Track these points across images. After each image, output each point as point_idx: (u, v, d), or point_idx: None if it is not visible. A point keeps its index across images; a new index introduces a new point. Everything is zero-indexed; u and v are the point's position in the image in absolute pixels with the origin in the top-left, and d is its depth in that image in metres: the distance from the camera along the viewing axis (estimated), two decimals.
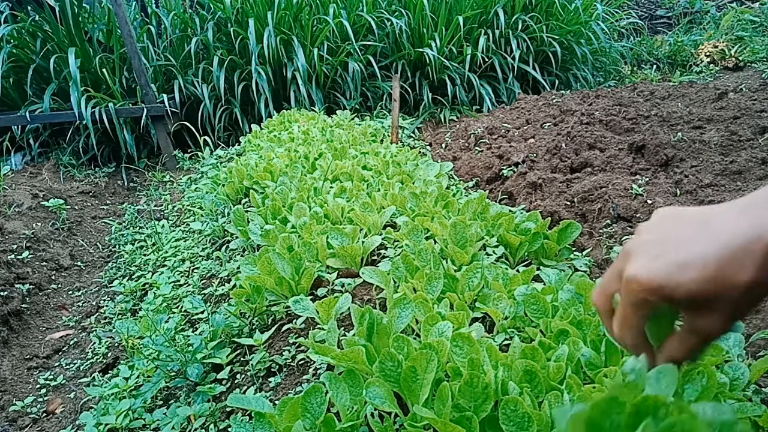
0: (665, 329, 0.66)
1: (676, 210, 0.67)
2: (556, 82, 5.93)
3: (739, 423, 0.51)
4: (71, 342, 2.65)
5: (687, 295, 0.57)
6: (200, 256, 2.78)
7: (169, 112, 5.08)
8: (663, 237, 0.63)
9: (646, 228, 0.68)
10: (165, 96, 5.09)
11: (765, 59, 5.98)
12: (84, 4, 5.29)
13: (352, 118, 4.67)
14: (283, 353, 1.61)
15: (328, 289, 1.78)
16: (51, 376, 2.38)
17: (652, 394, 0.53)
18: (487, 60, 5.58)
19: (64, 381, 2.33)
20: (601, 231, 2.40)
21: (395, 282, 1.61)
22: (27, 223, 3.51)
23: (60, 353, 2.60)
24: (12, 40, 5.01)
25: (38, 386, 2.33)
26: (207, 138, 4.83)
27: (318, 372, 1.46)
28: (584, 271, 1.97)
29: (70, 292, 3.15)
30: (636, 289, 0.61)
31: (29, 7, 5.29)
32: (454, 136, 4.61)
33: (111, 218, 4.15)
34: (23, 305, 2.82)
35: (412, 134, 4.96)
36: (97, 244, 3.77)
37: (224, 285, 2.26)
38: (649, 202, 2.37)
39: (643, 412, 0.51)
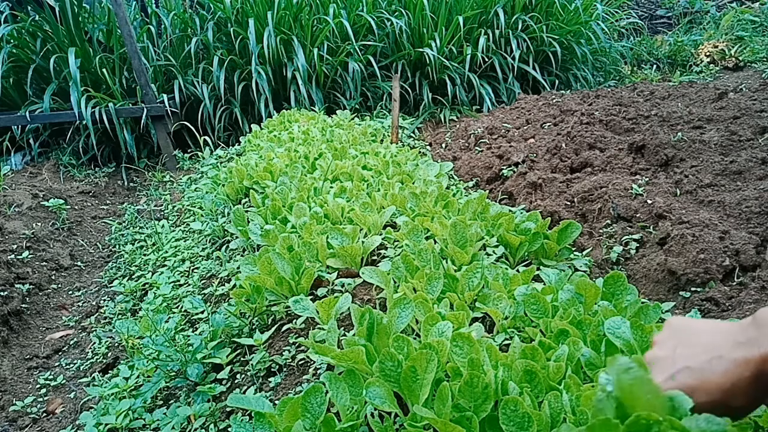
0: None
1: (685, 325, 0.84)
2: (556, 82, 5.93)
3: None
4: (71, 342, 2.65)
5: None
6: (200, 256, 2.78)
7: (169, 112, 5.08)
8: (674, 356, 0.80)
9: (660, 342, 0.85)
10: (165, 96, 5.09)
11: (765, 59, 5.98)
12: (84, 4, 5.29)
13: (352, 118, 4.67)
14: (283, 353, 1.61)
15: (328, 289, 1.78)
16: (51, 376, 2.38)
17: (644, 413, 0.55)
18: (487, 60, 5.58)
19: (64, 381, 2.33)
20: (601, 231, 2.40)
21: (395, 282, 1.61)
22: (27, 223, 3.51)
23: (60, 353, 2.60)
24: (12, 40, 5.01)
25: (38, 386, 2.33)
26: (207, 138, 4.83)
27: (318, 372, 1.46)
28: (584, 271, 1.97)
29: (70, 292, 3.15)
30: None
31: (29, 7, 5.29)
32: (454, 136, 4.61)
33: (111, 218, 4.15)
34: (23, 305, 2.82)
35: (412, 134, 4.96)
36: (97, 244, 3.77)
37: (224, 285, 2.26)
38: (649, 202, 2.37)
39: (635, 430, 0.52)
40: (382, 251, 2.00)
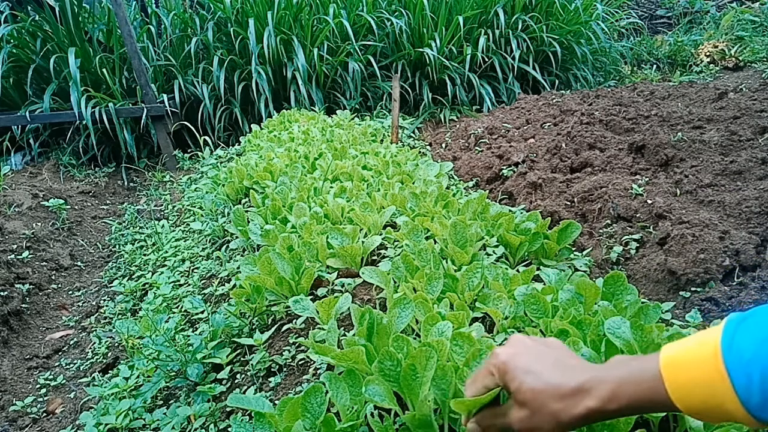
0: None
1: (560, 345, 0.87)
2: (556, 82, 5.93)
3: None
4: (71, 342, 2.65)
5: (515, 395, 0.80)
6: (200, 256, 2.78)
7: (169, 112, 5.08)
8: (537, 348, 0.84)
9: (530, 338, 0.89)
10: (165, 96, 5.09)
11: (765, 59, 5.98)
12: (84, 4, 5.29)
13: (352, 118, 4.67)
14: (283, 353, 1.61)
15: (328, 289, 1.78)
16: (51, 376, 2.38)
17: None
18: (487, 60, 5.58)
19: (64, 381, 2.33)
20: (601, 231, 2.40)
21: (395, 282, 1.61)
22: (27, 223, 3.51)
23: (60, 353, 2.60)
24: (12, 40, 5.01)
25: (38, 386, 2.33)
26: (207, 138, 4.83)
27: (318, 372, 1.46)
28: (584, 271, 1.97)
29: (70, 292, 3.15)
30: (495, 364, 0.83)
31: (29, 7, 5.29)
32: (454, 136, 4.61)
33: (111, 218, 4.15)
34: (23, 305, 2.82)
35: (412, 134, 4.96)
36: (97, 244, 3.77)
37: (224, 285, 2.26)
38: (649, 202, 2.37)
39: None
40: (382, 251, 2.00)
